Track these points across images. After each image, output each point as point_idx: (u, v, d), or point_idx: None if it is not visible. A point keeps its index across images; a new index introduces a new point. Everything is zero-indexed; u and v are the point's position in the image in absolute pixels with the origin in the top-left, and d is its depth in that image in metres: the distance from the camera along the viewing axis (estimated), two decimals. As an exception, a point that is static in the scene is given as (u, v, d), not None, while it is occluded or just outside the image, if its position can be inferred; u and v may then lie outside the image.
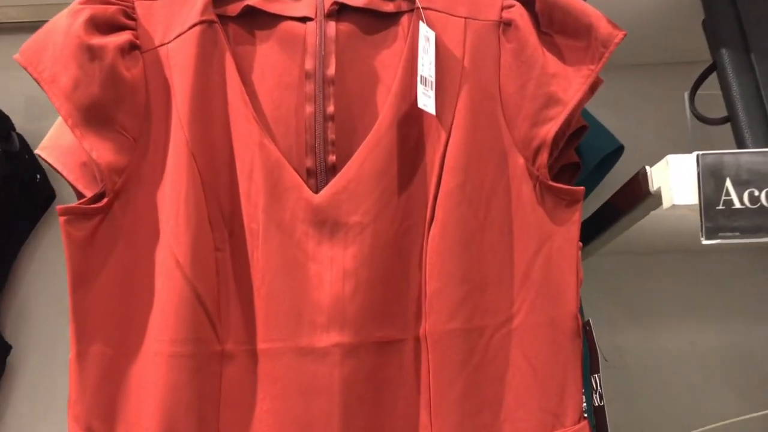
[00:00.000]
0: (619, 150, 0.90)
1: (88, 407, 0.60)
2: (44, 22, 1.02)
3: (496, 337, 0.62)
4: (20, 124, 0.99)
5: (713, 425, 0.70)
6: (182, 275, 0.61)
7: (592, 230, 0.83)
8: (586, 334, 0.63)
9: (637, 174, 0.67)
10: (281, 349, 0.61)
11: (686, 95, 0.82)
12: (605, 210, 0.78)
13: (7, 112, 0.99)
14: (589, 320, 0.64)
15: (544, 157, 0.64)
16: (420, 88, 0.63)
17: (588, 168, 0.87)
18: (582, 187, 0.64)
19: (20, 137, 0.97)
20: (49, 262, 1.02)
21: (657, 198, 0.64)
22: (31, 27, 1.05)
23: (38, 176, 0.98)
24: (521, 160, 0.65)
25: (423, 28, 0.65)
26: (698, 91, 0.81)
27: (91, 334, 0.62)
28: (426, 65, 0.65)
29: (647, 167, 0.65)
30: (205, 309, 0.61)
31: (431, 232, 0.63)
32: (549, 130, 0.64)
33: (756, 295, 0.98)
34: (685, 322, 0.99)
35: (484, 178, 0.64)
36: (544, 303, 0.62)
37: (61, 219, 0.62)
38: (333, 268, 0.62)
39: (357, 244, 0.62)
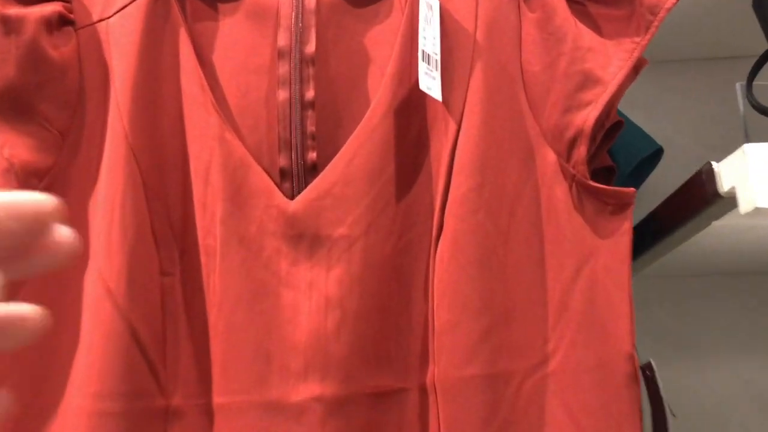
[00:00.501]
0: (658, 153, 0.77)
1: None
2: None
3: (528, 384, 0.47)
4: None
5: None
6: (114, 307, 0.47)
7: (634, 248, 0.69)
8: (645, 379, 0.49)
9: (699, 172, 0.53)
10: (244, 404, 0.46)
11: (738, 86, 0.69)
12: (651, 222, 0.63)
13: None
14: (650, 362, 0.49)
15: (581, 152, 0.50)
16: (422, 66, 0.50)
17: (622, 175, 0.74)
18: (632, 189, 0.51)
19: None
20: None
21: (728, 201, 0.50)
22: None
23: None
24: (552, 156, 0.51)
25: None
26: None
27: (-8, 386, 0.47)
28: (429, 39, 0.51)
29: (713, 162, 0.51)
30: (144, 352, 0.47)
31: (439, 248, 0.49)
32: (587, 116, 0.50)
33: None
34: (739, 358, 0.84)
35: (505, 178, 0.51)
36: (589, 339, 0.48)
37: (-42, 235, 0.48)
38: (312, 296, 0.48)
39: (343, 264, 0.48)
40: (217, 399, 0.47)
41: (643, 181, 0.78)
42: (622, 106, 0.73)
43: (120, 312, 0.47)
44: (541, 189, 0.51)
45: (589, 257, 0.49)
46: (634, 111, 0.77)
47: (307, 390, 0.46)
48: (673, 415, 0.48)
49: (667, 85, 0.89)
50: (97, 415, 0.45)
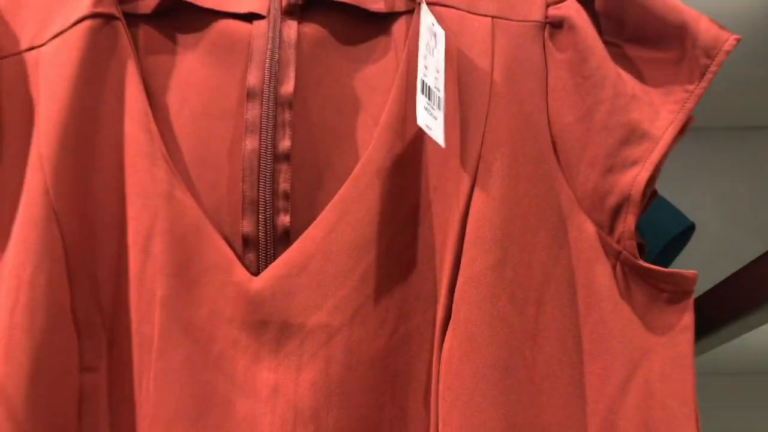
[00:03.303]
0: (690, 230, 0.69)
1: None
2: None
3: None
4: None
5: None
6: (13, 425, 0.35)
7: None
8: None
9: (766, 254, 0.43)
10: None
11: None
12: (701, 309, 0.53)
13: None
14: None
15: (629, 223, 0.41)
16: (421, 99, 0.40)
17: (652, 253, 0.66)
18: (694, 272, 0.40)
19: None
20: None
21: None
22: None
23: None
24: (591, 228, 0.41)
25: (427, 17, 0.43)
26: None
27: None
28: (431, 70, 0.42)
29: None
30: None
31: (446, 346, 0.39)
32: (635, 178, 0.41)
33: None
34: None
35: (532, 255, 0.41)
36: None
37: None
38: (277, 407, 0.37)
39: (320, 362, 0.38)
40: None
41: (671, 262, 0.69)
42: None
43: (17, 424, 0.35)
44: (576, 270, 0.41)
45: (642, 361, 0.39)
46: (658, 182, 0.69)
47: None
48: None
49: (690, 155, 0.81)
50: None
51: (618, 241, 0.41)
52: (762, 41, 0.67)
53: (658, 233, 0.66)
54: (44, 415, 0.36)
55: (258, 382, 0.37)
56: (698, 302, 0.54)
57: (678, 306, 0.40)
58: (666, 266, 0.68)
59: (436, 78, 0.41)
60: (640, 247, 0.55)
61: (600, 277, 0.40)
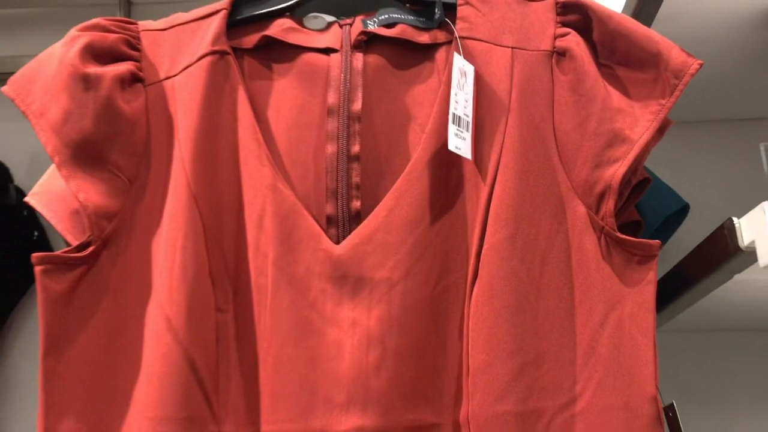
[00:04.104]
0: (684, 210, 0.80)
1: None
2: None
3: (557, 422, 0.50)
4: (22, 179, 0.93)
5: None
6: (174, 339, 0.51)
7: (659, 300, 0.72)
8: (668, 421, 0.51)
9: (720, 228, 0.56)
10: (290, 432, 0.50)
11: (762, 147, 0.72)
12: (674, 275, 0.66)
13: (10, 165, 0.92)
14: (672, 403, 0.52)
15: (609, 205, 0.54)
16: (452, 128, 0.54)
17: (650, 230, 0.77)
18: (657, 241, 0.54)
19: (20, 192, 0.90)
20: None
21: (749, 256, 0.53)
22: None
23: (36, 233, 0.90)
24: (582, 209, 0.55)
25: (458, 60, 0.57)
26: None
27: (62, 408, 0.51)
28: (461, 103, 0.56)
29: (734, 218, 0.54)
30: (200, 381, 0.51)
31: (474, 293, 0.53)
32: (615, 172, 0.54)
33: None
34: (764, 412, 0.85)
35: (538, 229, 0.54)
36: (616, 382, 0.51)
37: (37, 269, 0.53)
38: (355, 334, 0.51)
39: (384, 304, 0.52)
40: (265, 427, 0.51)
41: (669, 236, 0.80)
42: (651, 164, 0.76)
43: (179, 343, 0.51)
44: (571, 239, 0.54)
45: (616, 305, 0.52)
46: (662, 169, 0.81)
47: (349, 421, 0.49)
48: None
49: (695, 144, 0.93)
50: (156, 439, 0.49)
51: (602, 219, 0.54)
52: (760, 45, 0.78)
53: (656, 212, 0.77)
54: (194, 337, 0.51)
55: (341, 318, 0.52)
56: (668, 275, 0.67)
57: (645, 266, 0.53)
58: (664, 240, 0.80)
59: (465, 106, 0.55)
60: (638, 224, 0.68)
61: (588, 244, 0.54)
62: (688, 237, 0.77)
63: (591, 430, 0.50)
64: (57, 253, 0.54)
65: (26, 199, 0.62)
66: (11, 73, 0.98)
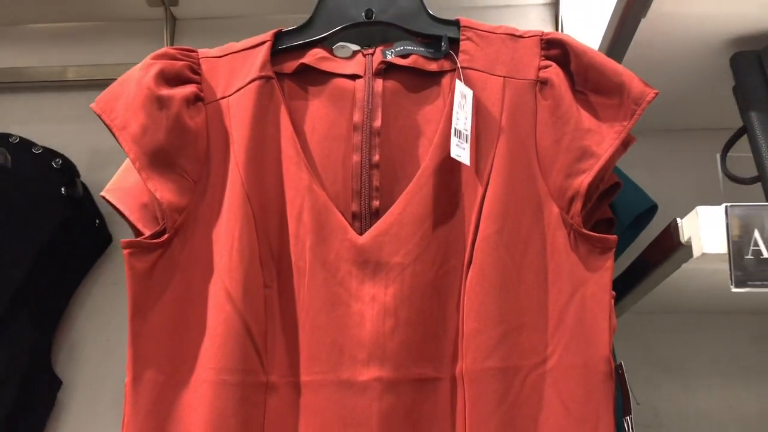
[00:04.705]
0: (653, 209, 0.91)
1: (140, 429, 0.63)
2: (105, 79, 1.11)
3: (532, 376, 0.64)
4: (83, 173, 1.06)
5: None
6: (233, 308, 0.64)
7: (625, 286, 0.85)
8: (618, 377, 0.65)
9: (668, 226, 0.69)
10: (323, 381, 0.64)
11: (718, 156, 0.85)
12: (638, 264, 0.80)
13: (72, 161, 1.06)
14: (621, 363, 0.65)
15: (577, 207, 0.67)
16: (454, 140, 0.67)
17: (622, 226, 0.88)
18: (614, 236, 0.67)
19: (83, 185, 1.04)
20: (101, 303, 1.07)
21: (688, 249, 0.66)
22: (97, 85, 1.15)
23: (97, 221, 1.04)
24: (556, 209, 0.68)
25: (459, 86, 0.70)
26: (730, 153, 0.84)
27: (145, 361, 0.65)
28: (461, 120, 0.69)
29: (678, 219, 0.67)
30: (252, 341, 0.64)
31: (469, 275, 0.66)
32: (583, 181, 0.67)
33: (793, 357, 0.98)
34: (724, 384, 0.99)
35: (520, 224, 0.67)
36: (578, 346, 0.64)
37: (125, 252, 0.67)
38: (374, 306, 0.64)
39: (398, 283, 0.65)
40: (303, 378, 0.64)
41: (639, 232, 0.92)
42: (628, 167, 0.89)
43: (237, 311, 0.64)
44: (546, 234, 0.67)
45: (581, 286, 0.66)
46: (635, 172, 0.93)
47: (370, 373, 0.63)
48: (637, 403, 0.64)
49: (664, 151, 1.05)
50: (219, 384, 0.63)
51: (571, 218, 0.67)
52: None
53: (627, 211, 0.88)
54: (248, 306, 0.64)
55: (363, 294, 0.65)
56: (633, 264, 0.80)
57: (604, 256, 0.66)
58: (636, 235, 0.93)
59: (465, 123, 0.68)
60: (611, 222, 0.80)
61: (560, 238, 0.67)
62: (657, 232, 0.89)
63: (558, 383, 0.63)
64: (139, 239, 0.68)
65: (102, 194, 0.75)
66: (67, 81, 1.13)
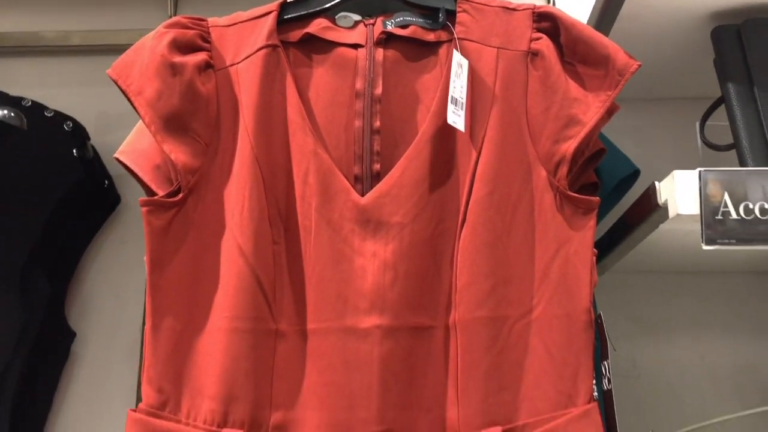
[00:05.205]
0: (636, 174, 0.95)
1: (160, 372, 0.69)
2: (110, 45, 1.15)
3: (518, 325, 0.69)
4: (91, 136, 1.10)
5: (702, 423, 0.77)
6: (245, 262, 0.70)
7: (608, 245, 0.91)
8: (598, 326, 0.71)
9: (647, 189, 0.75)
10: (328, 328, 0.69)
11: (697, 125, 0.90)
12: (619, 225, 0.85)
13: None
14: (600, 314, 0.71)
15: (563, 171, 0.72)
16: (450, 107, 0.72)
17: (606, 190, 0.93)
18: (597, 198, 0.72)
19: (93, 147, 1.08)
20: (111, 260, 1.12)
21: (664, 210, 0.72)
22: (101, 50, 1.18)
23: (106, 182, 1.08)
24: (544, 173, 0.73)
25: (456, 56, 0.74)
26: (708, 122, 0.90)
27: (164, 310, 0.70)
28: (457, 88, 0.73)
29: (656, 182, 0.73)
30: (263, 292, 0.70)
31: (462, 234, 0.71)
32: (569, 146, 0.72)
33: (763, 314, 1.05)
34: (696, 338, 1.06)
35: (510, 187, 0.72)
36: (561, 298, 0.70)
37: (144, 209, 0.72)
38: (375, 262, 0.70)
39: (397, 241, 0.70)
40: (310, 326, 0.70)
41: (623, 195, 0.96)
42: (610, 135, 0.93)
43: (248, 265, 0.70)
44: (534, 196, 0.72)
45: (565, 244, 0.71)
46: (619, 138, 0.98)
47: (371, 321, 0.68)
48: (614, 350, 0.70)
49: (648, 119, 1.10)
50: (233, 331, 0.68)
51: (558, 181, 0.72)
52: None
53: (611, 176, 0.92)
54: (259, 260, 0.69)
55: (365, 250, 0.70)
56: (615, 225, 0.85)
57: (587, 216, 0.71)
58: (619, 198, 0.98)
59: (461, 91, 0.73)
60: (595, 185, 0.85)
61: (547, 199, 0.72)
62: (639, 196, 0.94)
63: (542, 331, 0.69)
64: (156, 198, 0.72)
65: (116, 155, 0.79)
66: (72, 46, 1.16)
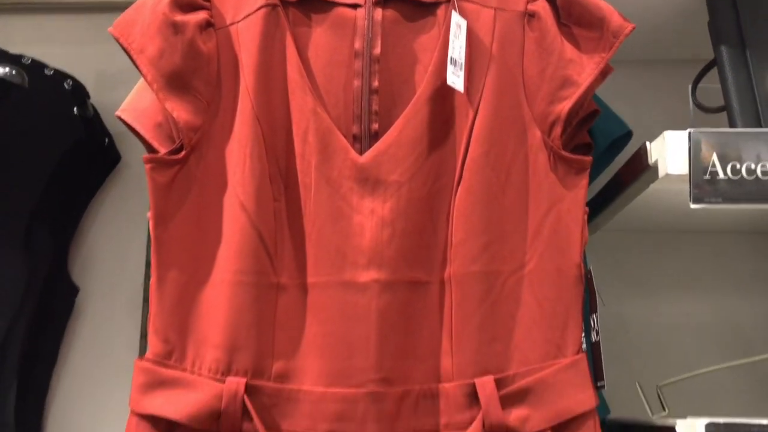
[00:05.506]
0: (628, 135, 0.97)
1: (166, 323, 0.71)
2: (105, 2, 1.14)
3: (511, 280, 0.72)
4: (90, 94, 1.11)
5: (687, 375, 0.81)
6: (247, 218, 0.72)
7: (600, 205, 0.93)
8: (587, 281, 0.73)
9: (638, 149, 0.77)
10: (328, 282, 0.71)
11: (689, 87, 0.92)
12: (611, 184, 0.88)
13: (78, 84, 1.10)
14: (590, 269, 0.74)
15: (558, 131, 0.74)
16: (450, 68, 0.73)
17: (599, 150, 0.95)
18: (589, 157, 0.74)
19: (92, 106, 1.09)
20: (111, 217, 1.14)
21: (655, 170, 0.74)
22: (98, 8, 1.18)
23: (107, 140, 1.10)
24: (538, 133, 0.75)
25: (455, 16, 0.75)
26: (700, 84, 0.91)
27: (168, 264, 0.72)
28: (456, 49, 0.74)
29: (647, 142, 0.75)
30: (265, 247, 0.72)
31: (458, 192, 0.73)
32: (563, 107, 0.74)
33: (747, 273, 1.08)
34: (682, 296, 1.09)
35: (506, 147, 0.74)
36: (553, 254, 0.72)
37: (148, 166, 0.73)
38: (373, 219, 0.71)
39: (394, 199, 0.72)
40: (310, 280, 0.72)
41: (616, 155, 0.99)
42: (603, 97, 0.95)
43: (250, 220, 0.71)
44: (529, 155, 0.74)
45: (557, 202, 0.73)
46: (612, 100, 0.99)
47: (369, 275, 0.70)
48: (603, 303, 0.73)
49: (641, 81, 1.12)
50: (236, 284, 0.71)
51: (552, 141, 0.74)
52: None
53: (605, 136, 0.94)
54: (260, 216, 0.70)
55: (363, 207, 0.71)
56: (607, 184, 0.88)
57: (580, 176, 0.73)
58: (610, 160, 1.00)
59: (459, 52, 0.74)
60: (589, 146, 0.87)
61: (541, 159, 0.74)
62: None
63: (534, 285, 0.72)
64: (159, 155, 0.74)
65: (117, 113, 0.80)
66: (68, 3, 1.16)
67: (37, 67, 1.05)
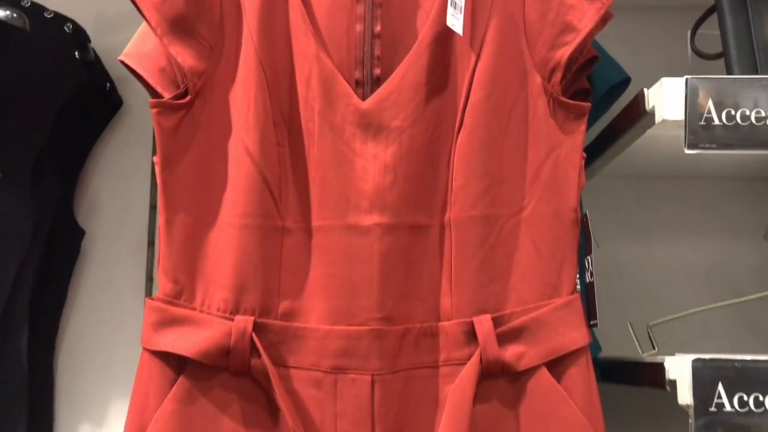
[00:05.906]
0: (626, 81, 0.99)
1: (175, 264, 0.74)
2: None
3: (509, 223, 0.74)
4: (91, 38, 1.11)
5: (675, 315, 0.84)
6: (252, 162, 0.73)
7: (597, 150, 0.95)
8: (583, 225, 0.76)
9: (636, 95, 0.78)
10: (332, 226, 0.74)
11: (688, 33, 0.92)
12: (609, 129, 0.89)
13: (78, 28, 1.10)
14: (586, 213, 0.76)
15: (558, 77, 0.75)
16: (450, 9, 0.74)
17: (597, 96, 0.97)
18: (588, 103, 0.76)
19: (93, 50, 1.09)
20: (114, 161, 1.15)
21: (652, 116, 0.75)
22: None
23: (108, 85, 1.10)
24: (539, 79, 0.76)
25: None
26: (699, 31, 0.92)
27: (176, 206, 0.74)
28: None
29: (645, 89, 0.76)
30: (270, 191, 0.74)
31: (459, 137, 0.75)
32: (564, 53, 0.75)
33: (737, 218, 1.11)
34: (675, 239, 1.12)
35: (507, 92, 0.75)
36: (550, 198, 0.74)
37: (154, 111, 0.74)
38: (376, 164, 0.73)
39: (396, 144, 0.74)
40: (314, 223, 0.74)
41: (614, 101, 1.00)
42: (603, 43, 0.96)
43: (255, 165, 0.73)
44: (529, 100, 0.76)
45: (556, 147, 0.75)
46: (612, 46, 1.00)
47: (371, 219, 0.72)
48: (598, 246, 0.75)
49: (640, 27, 1.12)
50: (243, 227, 0.73)
51: (552, 87, 0.75)
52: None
53: (603, 82, 0.96)
54: (265, 161, 0.72)
55: (366, 152, 0.73)
56: (605, 129, 0.89)
57: (578, 121, 0.75)
58: (608, 105, 1.02)
59: (460, -5, 0.75)
60: (587, 92, 0.88)
61: (541, 104, 0.75)
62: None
63: (531, 228, 0.74)
64: (165, 100, 0.75)
65: (120, 58, 0.81)
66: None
67: (36, 9, 1.04)
